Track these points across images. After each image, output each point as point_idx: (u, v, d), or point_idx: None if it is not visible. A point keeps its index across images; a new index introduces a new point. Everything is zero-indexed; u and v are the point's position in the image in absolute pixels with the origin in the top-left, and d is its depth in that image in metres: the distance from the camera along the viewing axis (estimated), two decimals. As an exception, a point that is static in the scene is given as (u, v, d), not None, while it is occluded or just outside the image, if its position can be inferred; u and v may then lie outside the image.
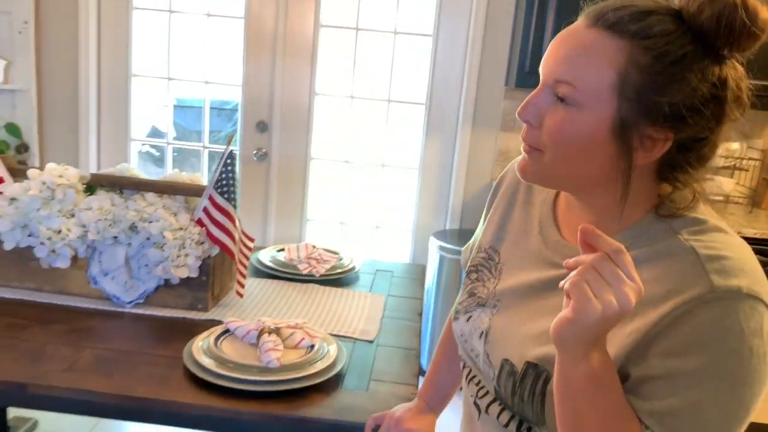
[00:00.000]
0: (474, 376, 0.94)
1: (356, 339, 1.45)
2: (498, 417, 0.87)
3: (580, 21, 0.76)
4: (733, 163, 3.00)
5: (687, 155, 0.75)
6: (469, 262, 1.02)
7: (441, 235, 3.04)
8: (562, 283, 0.66)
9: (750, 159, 3.03)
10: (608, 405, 0.69)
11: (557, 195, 0.92)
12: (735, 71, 0.73)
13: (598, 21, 0.74)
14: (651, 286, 0.71)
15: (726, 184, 2.97)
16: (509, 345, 0.85)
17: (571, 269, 0.66)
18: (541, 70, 0.78)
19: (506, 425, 0.86)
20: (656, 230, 0.77)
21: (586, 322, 0.64)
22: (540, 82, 0.78)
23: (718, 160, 2.70)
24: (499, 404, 0.87)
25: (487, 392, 0.90)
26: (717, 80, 0.72)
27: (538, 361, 0.79)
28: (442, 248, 2.93)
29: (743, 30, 0.70)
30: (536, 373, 0.79)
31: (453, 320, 1.00)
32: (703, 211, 0.78)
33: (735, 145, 3.03)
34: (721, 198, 3.03)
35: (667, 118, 0.72)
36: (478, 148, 3.11)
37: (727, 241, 0.74)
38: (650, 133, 0.73)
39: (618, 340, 0.73)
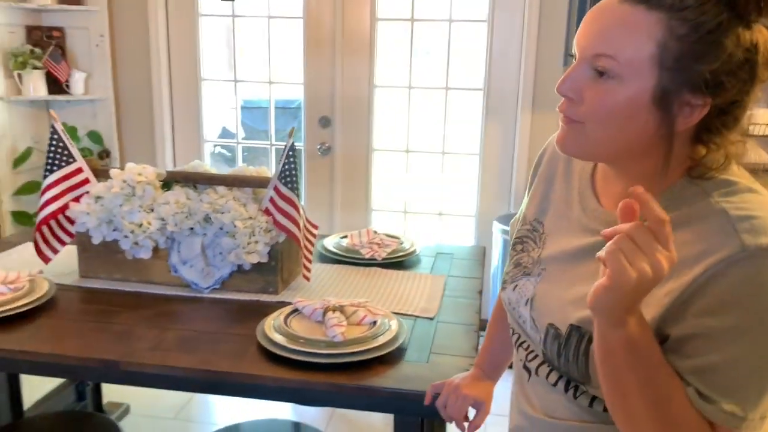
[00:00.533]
0: (523, 342, 0.99)
1: (417, 316, 1.52)
2: (547, 377, 0.92)
3: None
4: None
5: (723, 118, 0.77)
6: (514, 235, 1.07)
7: (504, 219, 3.06)
8: (599, 252, 0.69)
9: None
10: (647, 366, 0.73)
11: (595, 165, 0.96)
12: (762, 35, 0.76)
13: None
14: (684, 248, 0.74)
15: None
16: (553, 310, 0.89)
17: (608, 238, 0.69)
18: (576, 45, 0.81)
19: (555, 384, 0.91)
20: (689, 193, 0.79)
21: (622, 290, 0.67)
22: (577, 57, 0.81)
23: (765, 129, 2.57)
24: (548, 366, 0.92)
25: (536, 356, 0.95)
26: (750, 45, 0.74)
27: (580, 324, 0.83)
28: (505, 232, 2.94)
29: None
30: (579, 335, 0.83)
31: (501, 290, 1.05)
32: (736, 173, 0.80)
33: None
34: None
35: (707, 84, 0.74)
36: (538, 131, 3.10)
37: (758, 200, 0.76)
38: (689, 100, 0.75)
39: (654, 302, 0.76)
